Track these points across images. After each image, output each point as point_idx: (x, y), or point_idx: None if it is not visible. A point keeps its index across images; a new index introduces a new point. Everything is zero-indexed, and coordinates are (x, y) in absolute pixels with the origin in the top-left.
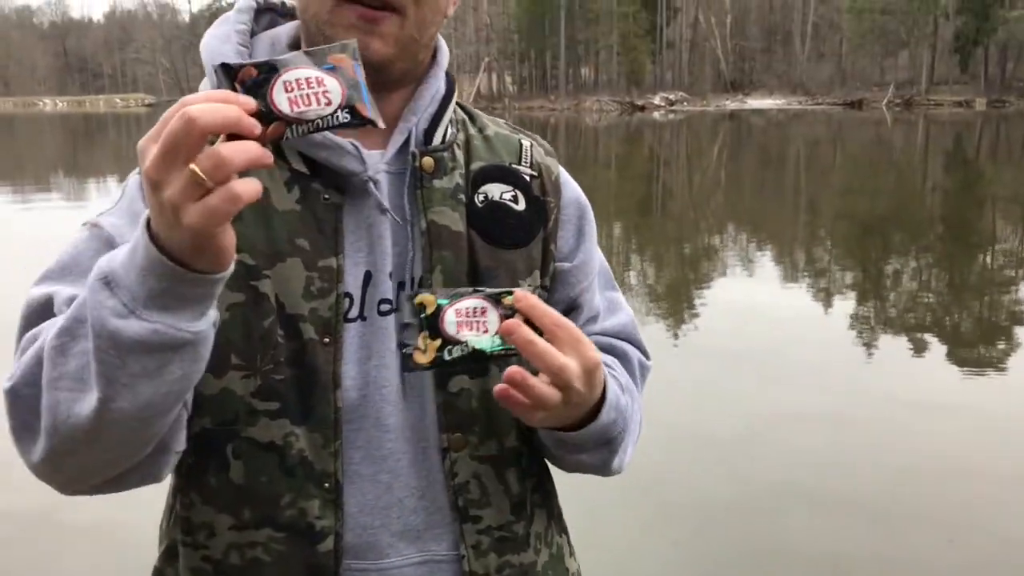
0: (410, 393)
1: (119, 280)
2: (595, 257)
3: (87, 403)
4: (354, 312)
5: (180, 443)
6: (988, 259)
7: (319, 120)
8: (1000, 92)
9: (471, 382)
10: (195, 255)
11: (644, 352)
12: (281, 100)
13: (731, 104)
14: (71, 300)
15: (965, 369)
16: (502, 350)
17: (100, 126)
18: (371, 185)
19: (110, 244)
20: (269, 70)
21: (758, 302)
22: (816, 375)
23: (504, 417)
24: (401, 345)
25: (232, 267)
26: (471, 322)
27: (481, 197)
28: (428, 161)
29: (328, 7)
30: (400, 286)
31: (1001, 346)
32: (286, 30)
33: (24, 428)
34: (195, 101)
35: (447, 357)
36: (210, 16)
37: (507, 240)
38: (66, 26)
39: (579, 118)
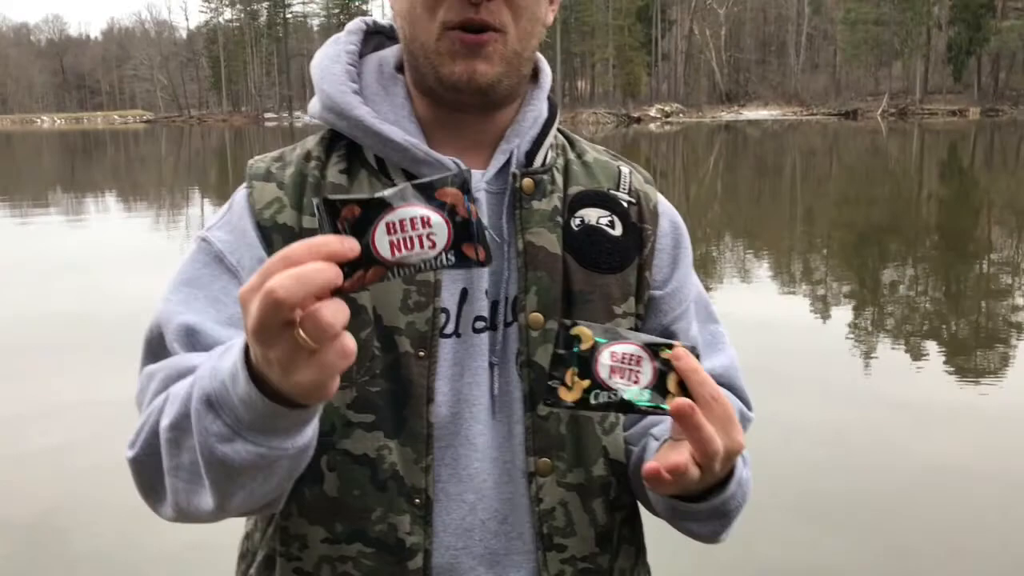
0: (499, 413)
1: (222, 402)
2: (690, 285)
3: (205, 498)
4: (450, 328)
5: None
6: (985, 267)
7: (422, 264)
8: (993, 101)
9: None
10: (303, 399)
11: (747, 402)
12: (383, 244)
13: (726, 115)
14: (184, 330)
15: (963, 377)
16: (651, 407)
17: (99, 143)
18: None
19: (219, 259)
20: (373, 208)
21: (754, 311)
22: (815, 383)
23: (593, 445)
24: (550, 376)
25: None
26: (624, 369)
27: (578, 221)
28: (528, 182)
29: (434, 36)
30: (495, 305)
31: (1000, 352)
32: (392, 52)
33: (151, 490)
34: (293, 256)
35: (593, 401)
36: (208, 32)
37: (603, 264)
38: (63, 44)
39: (576, 130)
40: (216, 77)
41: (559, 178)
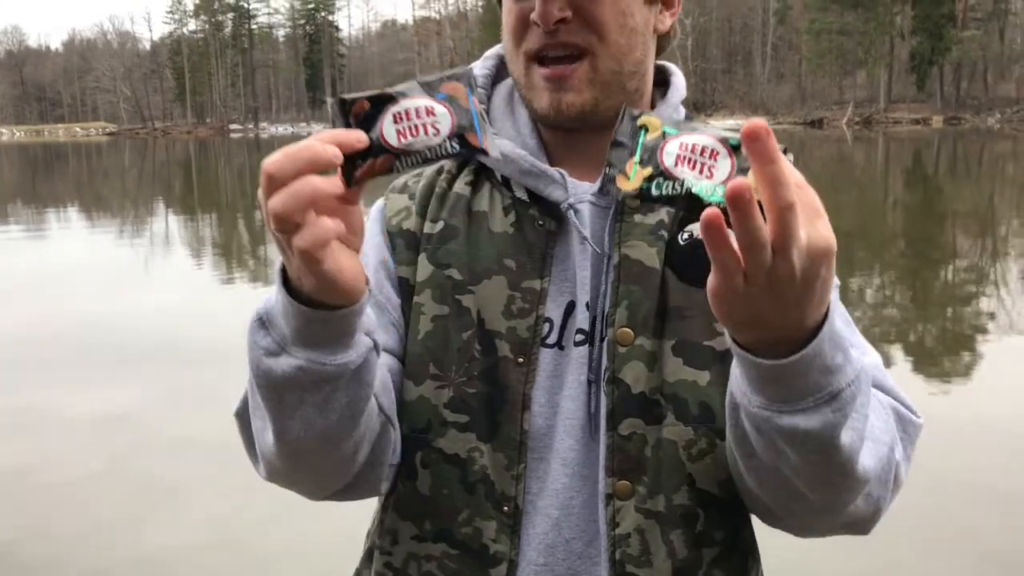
0: (595, 431)
1: (273, 320)
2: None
3: (269, 435)
4: (552, 338)
5: (391, 457)
6: (950, 273)
7: (427, 150)
8: (956, 110)
9: (646, 427)
10: (321, 291)
11: (907, 407)
12: (390, 132)
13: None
14: None
15: (931, 381)
16: (721, 204)
17: (60, 155)
18: (571, 213)
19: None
20: (382, 102)
21: None
22: None
23: (675, 470)
24: (609, 164)
25: (364, 301)
26: (696, 160)
27: (686, 235)
28: None
29: (522, 70)
30: (595, 320)
31: (966, 358)
32: None
33: (249, 448)
34: (303, 143)
35: (655, 191)
36: (172, 43)
37: (704, 279)
38: (23, 55)
39: None
40: (180, 88)
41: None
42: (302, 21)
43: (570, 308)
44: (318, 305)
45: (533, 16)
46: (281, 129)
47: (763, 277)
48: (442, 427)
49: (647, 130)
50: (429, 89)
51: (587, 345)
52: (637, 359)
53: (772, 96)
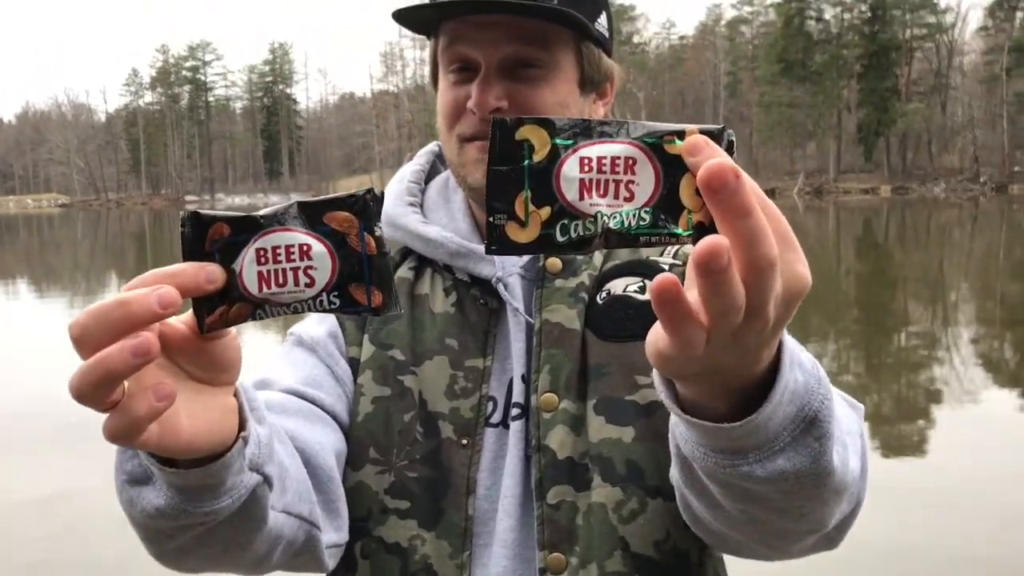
0: (529, 507)
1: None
2: None
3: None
4: (496, 417)
5: (327, 541)
6: (903, 339)
7: (297, 304)
8: (903, 179)
9: (575, 494)
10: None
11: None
12: (250, 275)
13: None
14: (257, 381)
15: (888, 447)
16: (657, 234)
17: (10, 227)
18: (500, 287)
19: (300, 341)
20: (247, 229)
21: None
22: None
23: (606, 535)
24: (491, 210)
25: (234, 453)
26: (606, 181)
27: (604, 294)
28: (554, 262)
29: (456, 149)
30: (523, 381)
31: (921, 424)
32: None
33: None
34: (135, 282)
35: (559, 237)
36: (127, 115)
37: (622, 332)
38: None
39: None
40: (135, 160)
41: (599, 257)
42: (259, 94)
43: (511, 384)
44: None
45: (469, 104)
46: (238, 200)
47: (730, 336)
48: (382, 515)
49: (532, 147)
50: (310, 217)
51: (523, 419)
52: (561, 423)
53: None
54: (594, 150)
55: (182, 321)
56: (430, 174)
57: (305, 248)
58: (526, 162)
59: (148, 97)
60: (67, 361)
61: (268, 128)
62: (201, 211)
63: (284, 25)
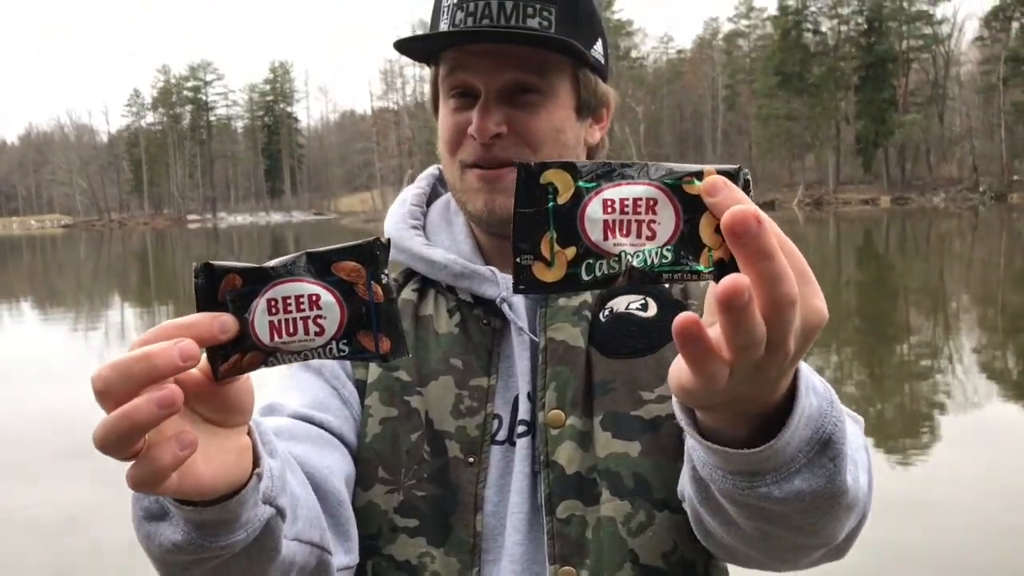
0: (536, 522)
1: None
2: None
3: None
4: (502, 435)
5: (336, 566)
6: (904, 349)
7: (306, 352)
8: (902, 190)
9: (584, 509)
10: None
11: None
12: (262, 325)
13: None
14: (265, 407)
15: (892, 458)
16: (679, 271)
17: (14, 248)
18: (505, 307)
19: (306, 365)
20: (257, 279)
21: None
22: None
23: (616, 548)
24: (518, 250)
25: (248, 490)
26: (629, 222)
27: (607, 312)
28: None
29: (457, 175)
30: (529, 399)
31: (922, 433)
32: None
33: None
34: (149, 336)
35: (585, 277)
36: (129, 135)
37: (624, 349)
38: None
39: None
40: (137, 180)
41: None
42: (260, 113)
43: (516, 402)
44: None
45: (470, 130)
46: (240, 219)
47: (752, 369)
48: (392, 533)
49: (556, 191)
50: (318, 267)
51: (529, 436)
52: (569, 439)
53: None
54: (616, 192)
55: (197, 368)
56: (431, 196)
57: (314, 298)
58: (551, 204)
59: (150, 117)
60: (71, 383)
61: (269, 147)
62: (214, 263)
63: (284, 43)
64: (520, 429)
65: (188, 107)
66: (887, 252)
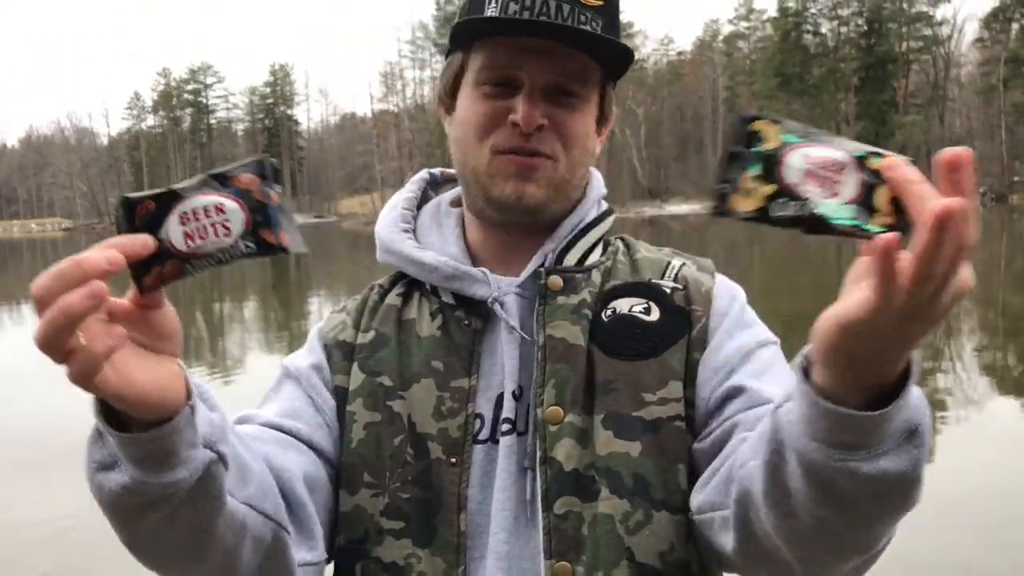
0: (524, 519)
1: (104, 433)
2: (746, 344)
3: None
4: (484, 434)
5: (296, 556)
6: None
7: (219, 253)
8: None
9: (581, 505)
10: (121, 408)
11: None
12: (176, 234)
13: (649, 210)
14: (240, 416)
15: None
16: (852, 226)
17: (14, 251)
18: (497, 306)
19: (287, 373)
20: (168, 201)
21: None
22: None
23: (613, 545)
24: (721, 180)
25: (181, 417)
26: (821, 177)
27: (609, 312)
28: (555, 280)
29: (485, 160)
30: (521, 408)
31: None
32: (449, 195)
33: None
34: (79, 256)
35: (777, 212)
36: (130, 138)
37: (628, 351)
38: None
39: None
40: (138, 182)
41: (598, 276)
42: (261, 115)
43: (499, 400)
44: (131, 423)
45: (515, 118)
46: None
47: (914, 308)
48: (379, 535)
49: (762, 138)
50: (219, 183)
51: (514, 434)
52: (568, 436)
53: None
54: (814, 150)
55: (125, 298)
56: (422, 200)
57: (219, 206)
58: (758, 148)
59: (150, 120)
60: (71, 386)
61: (270, 149)
62: (130, 195)
63: (284, 45)
64: (504, 427)
65: (188, 110)
66: None
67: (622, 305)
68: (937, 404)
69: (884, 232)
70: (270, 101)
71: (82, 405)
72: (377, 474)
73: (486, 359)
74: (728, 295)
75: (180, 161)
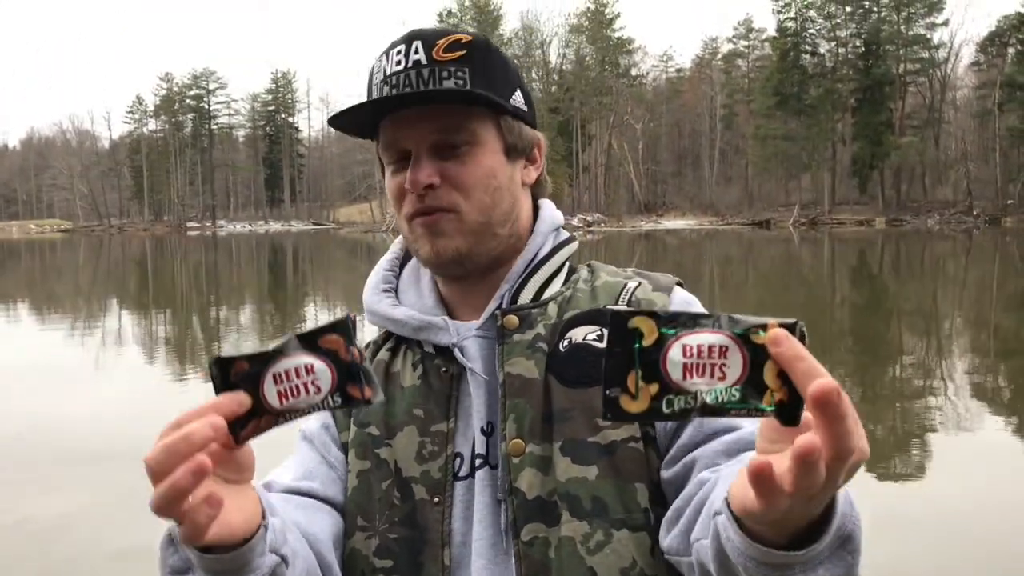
0: (501, 547)
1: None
2: None
3: None
4: (464, 470)
5: None
6: (898, 369)
7: (309, 408)
8: (897, 211)
9: (547, 530)
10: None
11: None
12: (271, 394)
13: (646, 225)
14: (262, 484)
15: (883, 480)
16: (745, 408)
17: (12, 252)
18: (457, 352)
19: (303, 436)
20: (261, 362)
21: None
22: None
23: (575, 567)
24: (608, 384)
25: (258, 538)
26: (704, 365)
27: (566, 343)
28: (511, 319)
29: (406, 228)
30: (489, 443)
31: (916, 455)
32: None
33: None
34: (182, 419)
35: (666, 409)
36: (131, 142)
37: (582, 379)
38: None
39: None
40: (138, 186)
41: (554, 308)
42: (262, 122)
43: (475, 438)
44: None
45: (405, 184)
46: (239, 227)
47: (807, 499)
48: (373, 574)
49: (641, 335)
50: (308, 344)
51: (487, 467)
52: (530, 466)
53: (720, 197)
54: (694, 339)
55: (215, 442)
56: (405, 259)
57: (309, 367)
58: (637, 346)
59: (152, 125)
60: (65, 389)
61: (270, 156)
62: (222, 355)
63: (286, 53)
64: (478, 462)
65: (190, 115)
66: (881, 273)
67: (578, 334)
68: (928, 426)
69: (776, 411)
70: (272, 108)
71: (68, 407)
72: (368, 517)
73: (463, 401)
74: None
75: (181, 166)
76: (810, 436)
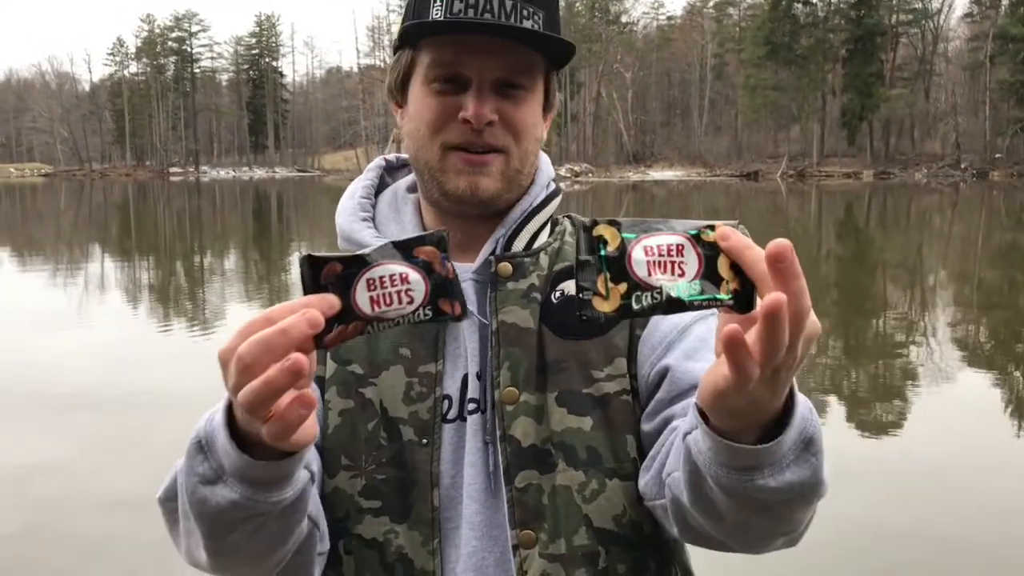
0: (491, 490)
1: (212, 445)
2: (681, 320)
3: (200, 550)
4: (453, 413)
5: (319, 547)
6: (881, 322)
7: (399, 318)
8: (885, 164)
9: (540, 477)
10: (274, 445)
11: None
12: (363, 299)
13: (634, 175)
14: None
15: (865, 432)
16: (706, 300)
17: None
18: None
19: None
20: (354, 265)
21: None
22: None
23: (572, 514)
24: (580, 287)
25: (307, 448)
26: (664, 262)
27: (558, 294)
28: (505, 267)
29: (438, 155)
30: (484, 387)
31: (897, 406)
32: (405, 181)
33: (173, 534)
34: (273, 315)
35: (635, 306)
36: (112, 85)
37: (575, 331)
38: None
39: None
40: (120, 130)
41: (545, 259)
42: (246, 66)
43: (465, 381)
44: (262, 450)
45: (465, 115)
46: (222, 173)
47: (772, 371)
48: (359, 514)
49: (605, 241)
50: (404, 252)
51: (480, 412)
52: (524, 414)
53: (709, 148)
54: (652, 240)
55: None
56: (380, 187)
57: (404, 276)
58: (603, 252)
59: (133, 67)
60: (43, 335)
61: (254, 101)
62: (314, 254)
63: None
64: (470, 407)
65: (172, 58)
66: (867, 226)
67: (570, 286)
68: (910, 375)
69: (732, 299)
70: (255, 52)
71: (49, 353)
72: (354, 457)
73: (450, 343)
74: None
75: (163, 110)
76: (775, 292)
